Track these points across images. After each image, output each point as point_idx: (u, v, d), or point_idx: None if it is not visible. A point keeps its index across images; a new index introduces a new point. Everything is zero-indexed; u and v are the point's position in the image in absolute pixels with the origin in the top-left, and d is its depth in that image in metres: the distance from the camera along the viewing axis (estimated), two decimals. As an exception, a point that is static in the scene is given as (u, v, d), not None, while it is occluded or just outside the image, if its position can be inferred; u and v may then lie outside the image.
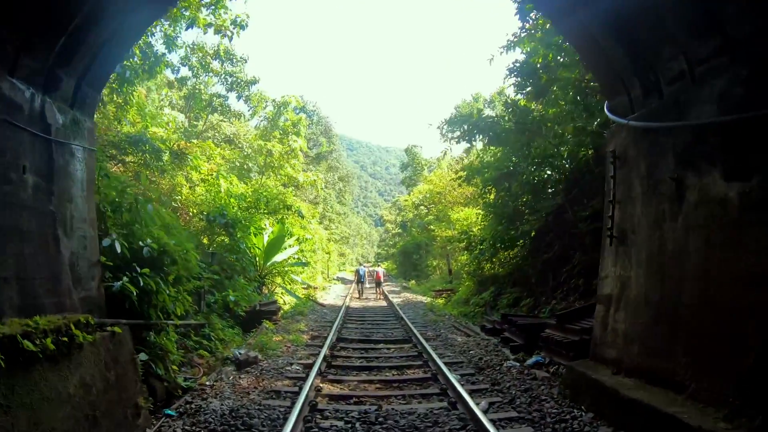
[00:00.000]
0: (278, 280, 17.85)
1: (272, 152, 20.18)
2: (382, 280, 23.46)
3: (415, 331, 10.63)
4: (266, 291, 16.58)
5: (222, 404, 5.67)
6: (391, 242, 64.42)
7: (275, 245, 15.46)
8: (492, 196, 15.71)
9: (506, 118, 13.58)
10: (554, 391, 5.93)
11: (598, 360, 5.77)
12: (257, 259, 15.93)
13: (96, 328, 5.08)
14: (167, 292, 6.65)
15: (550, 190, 14.15)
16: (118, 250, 6.18)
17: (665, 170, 5.06)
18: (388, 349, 9.20)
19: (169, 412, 5.65)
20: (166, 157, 10.58)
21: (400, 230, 60.68)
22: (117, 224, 6.92)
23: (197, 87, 28.47)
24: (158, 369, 6.37)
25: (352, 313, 15.07)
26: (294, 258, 18.76)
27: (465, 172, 15.04)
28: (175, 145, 11.80)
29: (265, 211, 14.76)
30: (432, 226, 26.18)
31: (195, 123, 26.99)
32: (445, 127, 14.51)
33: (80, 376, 4.45)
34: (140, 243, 6.59)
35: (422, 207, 41.58)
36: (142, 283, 6.12)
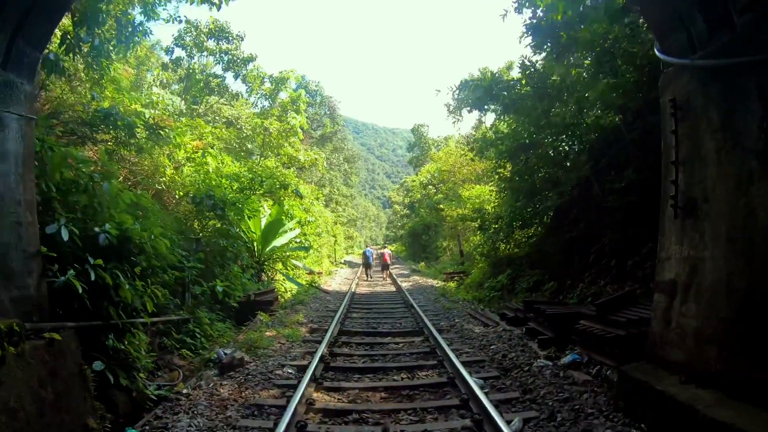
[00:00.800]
0: (279, 266, 16.79)
1: (270, 131, 18.95)
2: (389, 262, 23.47)
3: (426, 320, 9.52)
4: (266, 278, 15.54)
5: (191, 423, 4.60)
6: (399, 224, 63.29)
7: (273, 229, 14.35)
8: (507, 171, 14.44)
9: (523, 82, 12.23)
10: (601, 400, 4.78)
11: (658, 363, 4.59)
12: (255, 244, 14.84)
13: (27, 335, 4.02)
14: (131, 285, 5.56)
15: (567, 164, 12.89)
16: (65, 237, 5.06)
17: (749, 118, 3.86)
18: (397, 344, 8.07)
19: (131, 431, 4.62)
20: (141, 133, 9.38)
21: (407, 211, 59.49)
22: (71, 208, 5.80)
23: (192, 67, 27.24)
24: (121, 378, 5.32)
25: (357, 301, 13.99)
26: (295, 242, 17.66)
27: (478, 144, 13.74)
28: (151, 120, 10.56)
29: (261, 192, 13.61)
30: (441, 206, 24.93)
31: (194, 107, 25.81)
32: (455, 93, 13.15)
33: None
34: (96, 229, 5.48)
35: (431, 186, 40.29)
36: (93, 277, 5.02)
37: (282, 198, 15.02)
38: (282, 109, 19.84)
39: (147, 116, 9.55)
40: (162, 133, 10.37)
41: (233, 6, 24.30)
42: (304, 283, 16.63)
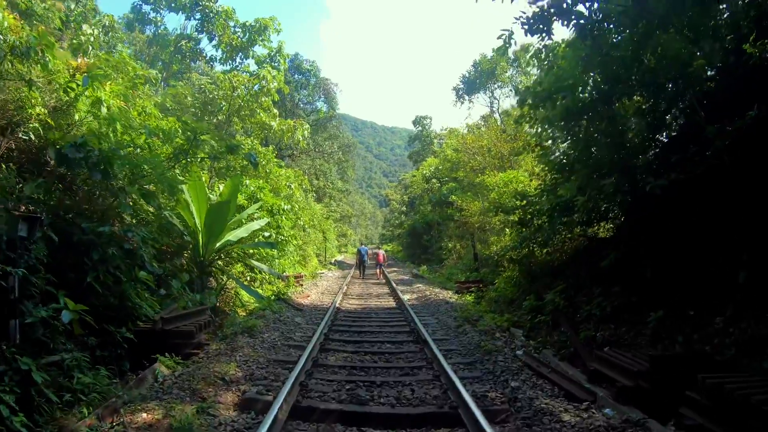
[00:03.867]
0: (238, 268, 12.21)
1: (238, 91, 14.38)
2: (383, 261, 23.54)
3: (459, 386, 4.97)
4: (216, 286, 10.98)
5: None
6: (396, 221, 58.75)
7: (223, 214, 9.78)
8: (562, 143, 9.96)
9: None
10: None
11: None
12: (198, 235, 10.28)
13: None
14: None
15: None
16: None
17: None
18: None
19: None
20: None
21: (405, 209, 54.87)
22: None
23: (156, 21, 22.56)
24: None
25: (340, 326, 9.41)
26: (263, 236, 13.09)
27: (528, 103, 9.16)
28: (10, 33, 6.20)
29: (200, 158, 9.03)
30: (454, 197, 20.33)
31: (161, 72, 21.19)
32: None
33: None
34: None
35: (434, 180, 35.76)
36: None
37: (229, 168, 10.55)
38: (257, 66, 15.22)
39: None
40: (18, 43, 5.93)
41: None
42: (269, 293, 12.06)
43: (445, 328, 9.20)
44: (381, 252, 24.60)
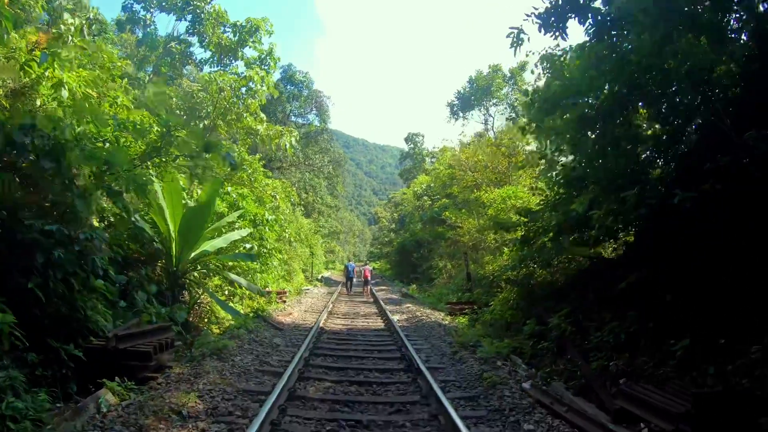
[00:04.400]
0: (215, 281, 11.26)
1: (223, 90, 13.56)
2: (369, 278, 23.74)
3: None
4: (188, 299, 10.00)
5: None
6: (386, 239, 57.84)
7: (200, 220, 8.89)
8: (567, 154, 9.26)
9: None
10: None
11: None
12: (171, 243, 9.35)
13: None
14: None
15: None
16: None
17: None
18: None
19: None
20: None
21: (395, 226, 54.00)
22: None
23: (146, 20, 21.83)
24: None
25: (323, 349, 8.45)
26: (244, 248, 12.17)
27: (536, 107, 8.43)
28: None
29: (176, 155, 8.12)
30: (448, 214, 19.51)
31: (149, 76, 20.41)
32: None
33: None
34: None
35: (426, 198, 35.09)
36: None
37: (208, 171, 9.59)
38: (246, 68, 14.44)
39: None
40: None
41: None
42: (247, 310, 11.09)
43: (440, 355, 8.30)
44: (367, 268, 25.23)
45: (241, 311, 11.23)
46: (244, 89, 14.07)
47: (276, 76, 22.61)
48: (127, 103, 8.51)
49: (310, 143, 41.57)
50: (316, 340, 8.96)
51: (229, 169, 9.51)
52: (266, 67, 15.69)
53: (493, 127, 33.81)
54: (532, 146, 10.32)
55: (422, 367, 6.65)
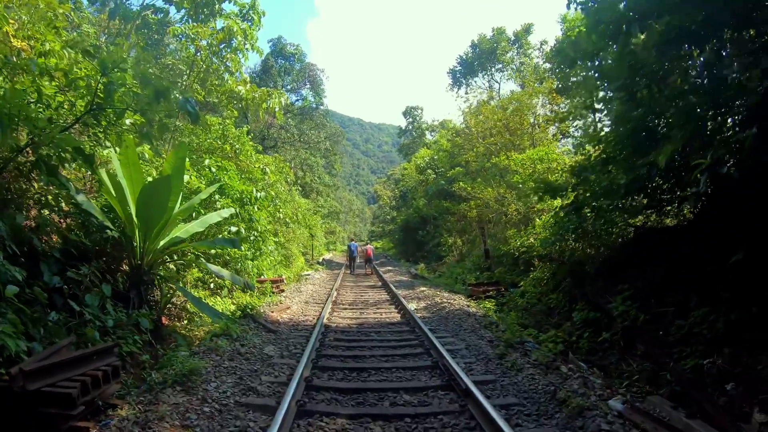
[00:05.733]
0: (194, 274, 9.32)
1: (200, 52, 11.39)
2: (371, 256, 24.76)
3: None
4: (159, 299, 8.05)
5: None
6: (388, 217, 55.88)
7: (160, 196, 6.85)
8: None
9: None
10: None
11: None
12: (134, 229, 7.36)
13: None
14: None
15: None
16: None
17: None
18: None
19: None
20: None
21: (396, 203, 51.86)
22: None
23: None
24: None
25: (331, 354, 6.55)
26: (229, 233, 10.19)
27: (590, 38, 6.34)
28: None
29: (121, 109, 6.04)
30: (462, 184, 17.38)
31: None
32: None
33: None
34: None
35: (430, 171, 32.96)
36: None
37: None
38: (227, 31, 12.19)
39: None
40: None
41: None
42: (229, 311, 9.14)
43: (484, 359, 6.38)
44: (369, 247, 26.22)
45: (231, 308, 9.31)
46: (223, 47, 11.90)
47: (263, 44, 20.10)
48: (56, 46, 6.39)
49: (305, 120, 39.28)
50: (320, 345, 7.03)
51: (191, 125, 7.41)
52: (250, 23, 13.46)
53: (499, 93, 31.48)
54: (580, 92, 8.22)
55: (469, 385, 4.73)
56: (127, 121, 6.88)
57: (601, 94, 8.00)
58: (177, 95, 5.47)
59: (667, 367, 6.08)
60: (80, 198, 6.79)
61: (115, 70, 5.43)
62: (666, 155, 6.02)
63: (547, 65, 26.19)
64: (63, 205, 6.90)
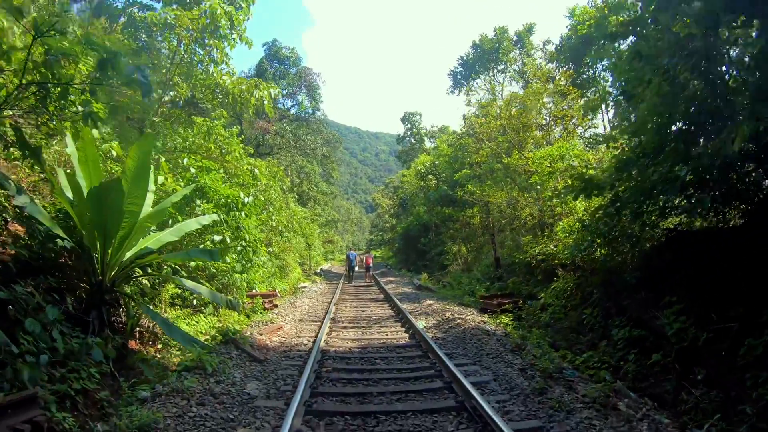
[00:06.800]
0: (171, 290, 8.05)
1: (181, 38, 10.23)
2: (371, 264, 24.76)
3: None
4: (126, 320, 6.78)
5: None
6: (387, 225, 54.62)
7: (117, 197, 5.61)
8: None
9: None
10: None
11: None
12: (95, 240, 6.11)
13: None
14: None
15: None
16: None
17: None
18: None
19: None
20: None
21: (395, 211, 50.60)
22: None
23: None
24: None
25: (326, 394, 5.24)
26: (213, 241, 8.93)
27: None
28: None
29: (73, 83, 4.84)
30: (471, 187, 16.10)
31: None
32: None
33: None
34: None
35: (431, 177, 31.78)
36: None
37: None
38: (211, 15, 11.04)
39: None
40: None
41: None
42: (210, 334, 7.86)
43: (520, 396, 5.11)
44: (369, 256, 26.64)
45: (212, 331, 8.03)
46: (207, 35, 10.74)
47: (257, 47, 19.00)
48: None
49: (301, 126, 38.13)
50: (316, 378, 5.76)
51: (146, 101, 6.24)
52: (238, 9, 12.33)
53: (501, 94, 30.39)
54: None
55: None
56: (80, 108, 5.64)
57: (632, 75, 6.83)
58: (128, 61, 4.26)
59: (743, 398, 4.90)
60: (21, 199, 5.54)
61: (52, 33, 4.21)
62: (743, 137, 4.84)
63: (551, 65, 25.19)
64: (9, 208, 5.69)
